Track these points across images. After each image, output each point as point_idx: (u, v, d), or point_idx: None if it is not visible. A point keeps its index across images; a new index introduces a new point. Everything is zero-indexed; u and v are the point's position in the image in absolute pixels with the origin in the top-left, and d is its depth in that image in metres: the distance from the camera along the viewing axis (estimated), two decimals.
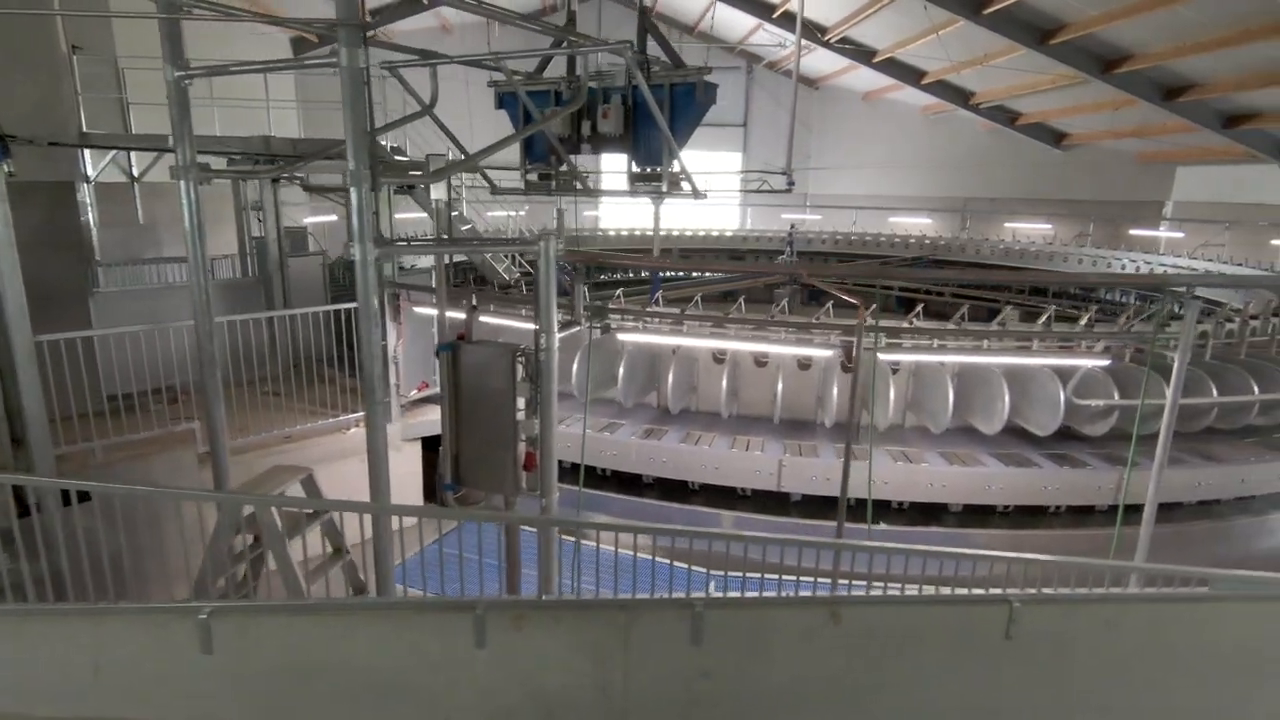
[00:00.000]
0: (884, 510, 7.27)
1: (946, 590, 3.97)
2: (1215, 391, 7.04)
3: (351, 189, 4.59)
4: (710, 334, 7.52)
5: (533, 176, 9.09)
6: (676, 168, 8.27)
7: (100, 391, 6.83)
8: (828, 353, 7.13)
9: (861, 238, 22.21)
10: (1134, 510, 7.17)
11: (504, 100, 9.00)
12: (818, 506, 7.35)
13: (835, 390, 7.17)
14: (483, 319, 8.42)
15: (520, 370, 5.53)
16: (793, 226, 15.88)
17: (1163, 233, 19.36)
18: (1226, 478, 7.09)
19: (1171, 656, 3.86)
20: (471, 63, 7.31)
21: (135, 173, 11.76)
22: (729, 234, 23.36)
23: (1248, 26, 12.50)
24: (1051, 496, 6.88)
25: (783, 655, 3.72)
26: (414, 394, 8.14)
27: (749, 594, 4.34)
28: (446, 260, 11.28)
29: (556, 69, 9.14)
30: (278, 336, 8.16)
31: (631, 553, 6.55)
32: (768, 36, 23.02)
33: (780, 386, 7.40)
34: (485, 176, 9.18)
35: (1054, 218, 21.74)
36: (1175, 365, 5.28)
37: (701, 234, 22.99)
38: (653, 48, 8.53)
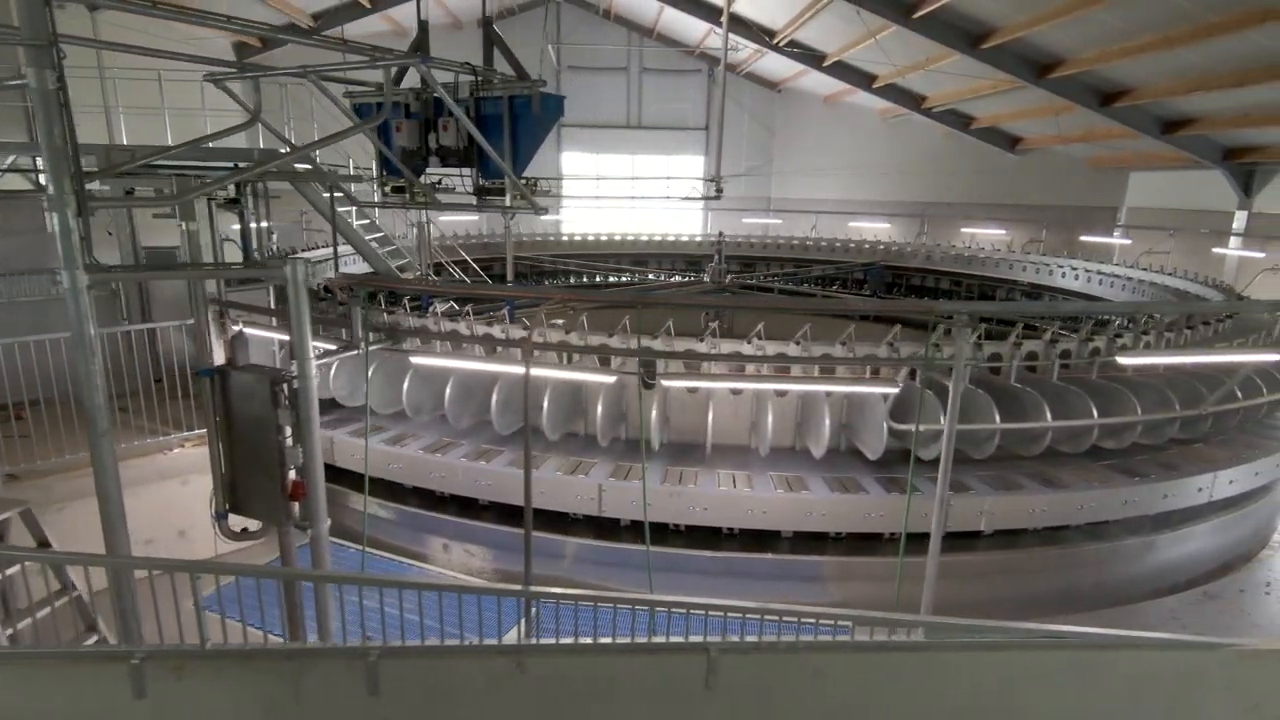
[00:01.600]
0: (714, 537, 7.06)
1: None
2: (1049, 415, 6.77)
3: (53, 215, 4.43)
4: (507, 358, 7.32)
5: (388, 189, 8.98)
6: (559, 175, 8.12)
7: None
8: (610, 379, 6.97)
9: (817, 243, 21.96)
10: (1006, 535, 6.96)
11: (359, 111, 8.89)
12: (656, 532, 7.13)
13: (654, 413, 6.96)
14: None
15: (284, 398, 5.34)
16: (720, 234, 15.70)
17: (1115, 239, 19.00)
18: (1065, 504, 6.80)
19: (882, 708, 3.63)
20: (295, 75, 7.15)
21: (41, 180, 11.67)
22: (684, 239, 23.15)
23: (1167, 33, 12.22)
24: (876, 523, 6.63)
25: (468, 707, 3.52)
26: None
27: (429, 642, 4.15)
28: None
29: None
30: (135, 352, 7.92)
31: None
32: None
33: (599, 410, 7.17)
34: (345, 192, 9.03)
35: (1009, 223, 21.42)
36: (951, 391, 5.06)
37: (658, 239, 22.82)
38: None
